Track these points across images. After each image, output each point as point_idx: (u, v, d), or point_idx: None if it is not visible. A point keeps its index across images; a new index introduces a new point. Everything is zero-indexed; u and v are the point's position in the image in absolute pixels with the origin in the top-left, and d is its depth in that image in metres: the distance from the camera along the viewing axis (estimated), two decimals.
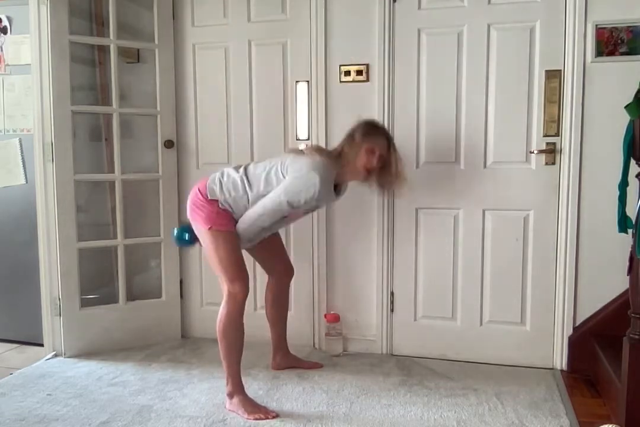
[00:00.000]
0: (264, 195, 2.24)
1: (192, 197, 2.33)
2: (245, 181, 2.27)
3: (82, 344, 2.88)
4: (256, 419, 2.16)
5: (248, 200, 2.26)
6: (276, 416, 2.19)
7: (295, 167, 2.21)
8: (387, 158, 2.29)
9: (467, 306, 2.77)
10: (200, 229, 2.28)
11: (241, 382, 2.29)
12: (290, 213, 2.28)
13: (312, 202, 2.23)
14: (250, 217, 2.24)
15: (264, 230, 2.32)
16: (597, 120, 2.52)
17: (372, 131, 2.32)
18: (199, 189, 2.31)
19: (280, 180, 2.22)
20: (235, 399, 2.25)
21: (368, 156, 2.25)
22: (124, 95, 2.99)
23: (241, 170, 2.32)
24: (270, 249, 2.57)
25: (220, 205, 2.26)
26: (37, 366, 2.75)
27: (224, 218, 2.26)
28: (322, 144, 2.83)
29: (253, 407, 2.22)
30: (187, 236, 2.39)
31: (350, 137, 2.30)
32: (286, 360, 2.68)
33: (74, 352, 2.86)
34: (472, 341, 2.76)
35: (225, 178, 2.30)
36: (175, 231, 2.46)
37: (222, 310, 2.26)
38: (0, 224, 3.13)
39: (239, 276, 2.25)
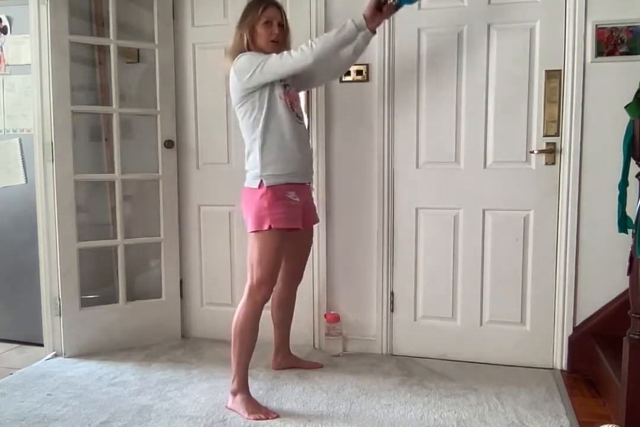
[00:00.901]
0: (255, 118, 2.23)
1: (242, 204, 2.30)
2: (247, 139, 2.29)
3: (82, 344, 2.88)
4: (256, 419, 2.16)
5: (263, 132, 2.23)
6: (277, 417, 2.18)
7: (232, 71, 2.23)
8: (286, 25, 2.33)
9: (467, 306, 2.77)
10: (259, 228, 2.22)
11: (247, 381, 2.29)
12: (286, 95, 2.27)
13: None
14: (306, 51, 2.15)
15: (298, 145, 2.29)
16: (597, 120, 2.52)
17: (257, 5, 2.29)
18: (244, 193, 2.29)
19: (245, 94, 2.22)
20: (239, 398, 2.25)
21: (267, 30, 2.26)
22: (124, 95, 2.99)
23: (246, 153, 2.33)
24: (299, 250, 2.53)
25: (267, 183, 2.21)
26: (37, 366, 2.75)
27: (279, 203, 2.21)
28: (322, 145, 2.84)
29: (254, 407, 2.22)
30: None
31: (241, 21, 2.30)
32: (287, 360, 2.68)
33: (74, 352, 2.86)
34: (472, 341, 2.76)
35: (247, 163, 2.30)
36: None
37: (240, 310, 2.25)
38: (0, 224, 3.13)
39: (269, 279, 2.25)
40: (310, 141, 2.49)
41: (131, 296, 3.04)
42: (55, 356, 2.85)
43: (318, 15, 2.79)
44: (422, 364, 2.74)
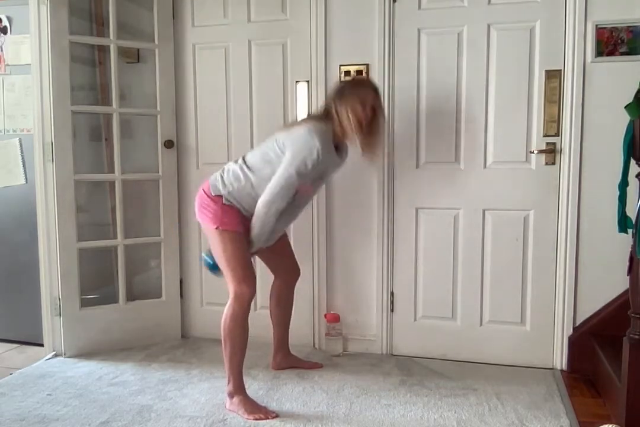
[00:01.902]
0: (265, 176, 2.22)
1: (198, 198, 2.33)
2: (245, 168, 2.27)
3: (82, 344, 2.88)
4: (256, 419, 2.16)
5: (252, 185, 2.24)
6: (276, 416, 2.19)
7: (292, 138, 2.21)
8: (377, 111, 2.30)
9: (467, 306, 2.77)
10: (208, 229, 2.28)
11: (242, 382, 2.29)
12: (299, 187, 2.23)
13: (319, 166, 2.20)
14: (264, 204, 2.19)
15: (280, 219, 2.27)
16: (597, 120, 2.52)
17: (360, 84, 2.31)
18: (203, 190, 2.32)
19: (279, 156, 2.21)
20: (235, 399, 2.25)
21: (360, 109, 2.24)
22: (124, 95, 2.99)
23: (239, 160, 2.33)
24: (278, 248, 2.54)
25: (225, 201, 2.26)
26: (37, 366, 2.75)
27: (230, 216, 2.25)
28: None
29: (253, 407, 2.22)
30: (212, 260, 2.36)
31: (339, 94, 2.28)
32: (287, 360, 2.68)
33: (74, 352, 2.86)
34: (472, 341, 2.76)
35: (225, 173, 2.31)
36: (204, 257, 2.43)
37: (227, 310, 2.25)
38: (0, 224, 3.13)
39: (246, 276, 2.25)
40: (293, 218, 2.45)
41: (131, 296, 3.04)
42: (55, 356, 2.85)
43: (318, 15, 2.79)
44: (422, 364, 2.74)
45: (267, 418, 2.17)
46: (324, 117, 2.29)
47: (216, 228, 2.24)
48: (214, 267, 2.36)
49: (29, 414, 2.24)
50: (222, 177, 2.30)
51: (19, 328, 3.12)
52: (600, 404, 2.31)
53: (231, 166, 2.33)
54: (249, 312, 2.26)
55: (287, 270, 2.61)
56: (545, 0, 2.55)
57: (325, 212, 2.88)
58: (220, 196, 2.26)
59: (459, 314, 2.79)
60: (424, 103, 2.73)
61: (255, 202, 2.24)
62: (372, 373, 2.62)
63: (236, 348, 2.25)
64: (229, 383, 2.27)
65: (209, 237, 2.32)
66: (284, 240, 2.58)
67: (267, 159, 2.24)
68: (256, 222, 2.23)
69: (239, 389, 2.27)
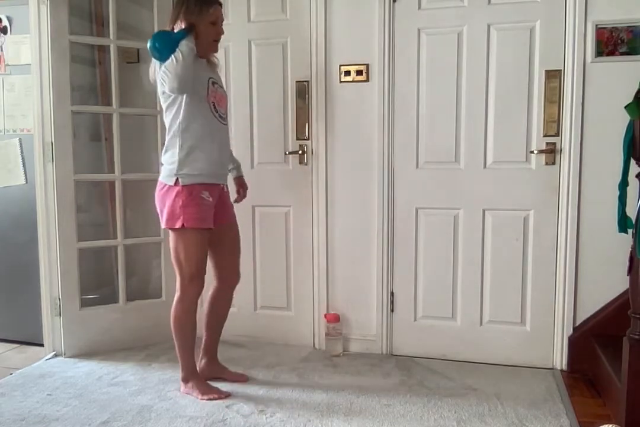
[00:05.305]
0: (175, 113, 2.24)
1: (157, 196, 2.30)
2: (167, 130, 2.29)
3: (82, 344, 2.88)
4: (210, 399, 2.28)
5: (183, 132, 2.24)
6: (228, 395, 2.28)
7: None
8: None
9: (467, 306, 2.77)
10: (172, 226, 2.26)
11: (195, 367, 2.40)
12: (208, 97, 2.25)
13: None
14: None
15: (214, 147, 2.28)
16: (597, 120, 2.52)
17: (208, 3, 2.25)
18: (158, 187, 2.30)
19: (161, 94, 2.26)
20: (190, 383, 2.36)
21: (213, 28, 2.26)
22: (124, 95, 2.99)
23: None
24: (228, 243, 2.47)
25: (182, 182, 2.22)
26: (37, 366, 2.75)
27: (193, 205, 2.22)
28: (322, 145, 2.84)
29: (206, 389, 2.33)
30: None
31: (187, 14, 2.22)
32: (210, 367, 2.52)
33: (74, 352, 2.86)
34: (472, 341, 2.76)
35: (164, 159, 2.30)
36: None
37: (176, 306, 2.34)
38: (0, 224, 3.13)
39: (196, 275, 2.30)
40: (229, 142, 2.49)
41: (131, 296, 3.04)
42: (55, 356, 2.85)
43: (318, 15, 2.79)
44: (422, 364, 2.74)
45: (221, 398, 2.28)
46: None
47: (181, 227, 2.22)
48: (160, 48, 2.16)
49: (29, 414, 2.24)
50: (166, 164, 2.28)
51: (19, 328, 3.12)
52: (600, 404, 2.31)
53: (164, 151, 2.32)
54: (197, 306, 2.35)
55: (228, 270, 2.49)
56: (545, 0, 2.55)
57: (325, 212, 2.88)
58: (177, 180, 2.22)
59: (459, 314, 2.79)
60: (424, 103, 2.73)
61: (206, 137, 2.24)
62: (372, 373, 2.62)
63: (188, 340, 2.36)
64: (183, 370, 2.37)
65: (170, 229, 2.29)
66: (235, 233, 2.50)
67: (164, 95, 2.25)
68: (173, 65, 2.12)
69: (192, 373, 2.39)
